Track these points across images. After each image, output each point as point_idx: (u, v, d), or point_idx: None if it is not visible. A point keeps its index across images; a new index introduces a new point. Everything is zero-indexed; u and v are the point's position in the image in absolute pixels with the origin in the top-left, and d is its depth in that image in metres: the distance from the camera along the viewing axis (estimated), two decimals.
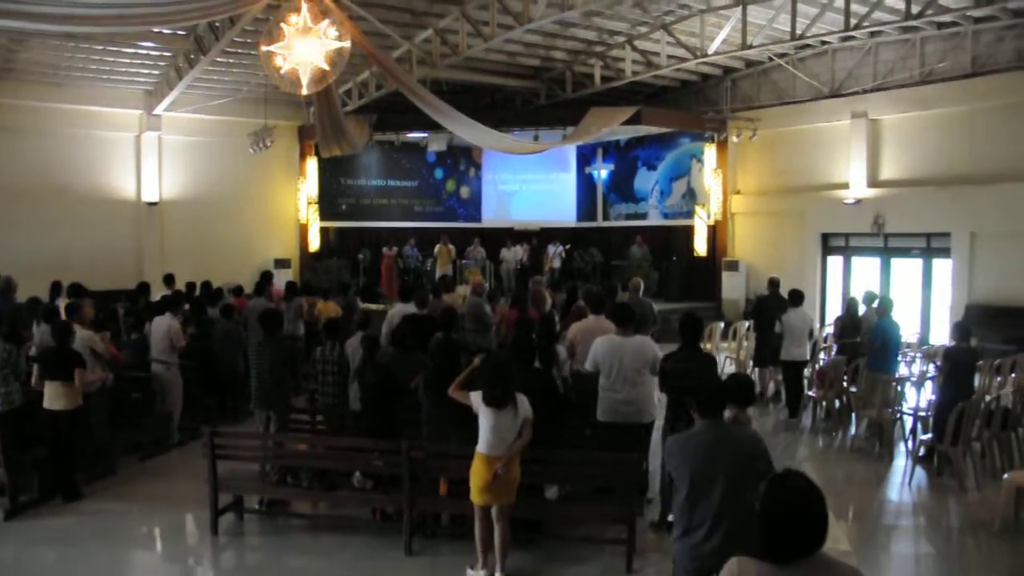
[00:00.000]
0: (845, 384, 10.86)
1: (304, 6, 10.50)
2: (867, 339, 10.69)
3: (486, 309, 11.13)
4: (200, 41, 14.97)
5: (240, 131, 19.00)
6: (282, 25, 10.65)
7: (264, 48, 10.85)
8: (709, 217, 20.22)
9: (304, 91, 11.20)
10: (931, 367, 11.86)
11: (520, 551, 6.81)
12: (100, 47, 16.02)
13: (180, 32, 15.02)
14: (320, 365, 8.68)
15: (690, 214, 20.74)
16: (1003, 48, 15.15)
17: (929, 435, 9.02)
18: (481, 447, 5.93)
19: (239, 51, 16.01)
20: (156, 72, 18.01)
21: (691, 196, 20.93)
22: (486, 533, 6.13)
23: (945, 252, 16.26)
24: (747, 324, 14.37)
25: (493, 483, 5.86)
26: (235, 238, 20.68)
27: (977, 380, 9.96)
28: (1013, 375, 11.24)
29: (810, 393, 11.46)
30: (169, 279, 14.13)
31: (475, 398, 6.00)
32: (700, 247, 20.50)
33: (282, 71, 10.88)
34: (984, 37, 15.38)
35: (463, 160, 23.95)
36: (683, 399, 4.69)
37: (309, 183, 21.73)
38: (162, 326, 10.23)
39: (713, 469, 4.25)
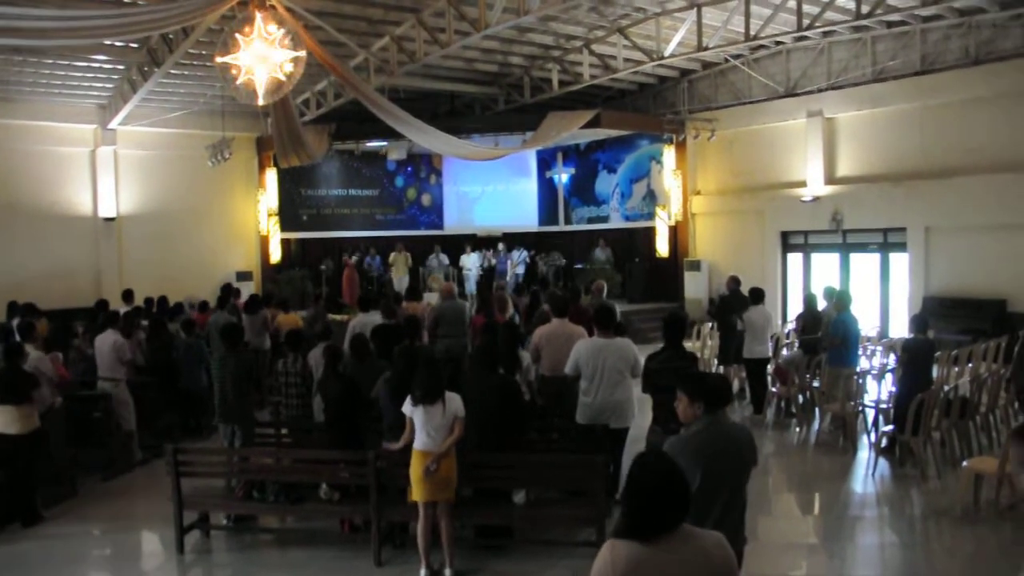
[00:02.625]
0: (808, 379, 10.99)
1: (258, 16, 10.41)
2: (827, 334, 10.82)
3: (468, 312, 11.10)
4: (154, 53, 14.78)
5: (197, 144, 18.81)
6: (236, 36, 10.53)
7: (219, 59, 10.74)
8: (670, 218, 20.35)
9: (260, 102, 11.10)
10: (891, 359, 12.03)
11: (490, 557, 6.81)
12: (50, 61, 15.73)
13: (133, 44, 14.81)
14: (283, 377, 8.62)
15: (651, 215, 20.86)
16: (950, 46, 15.45)
17: (891, 426, 9.16)
18: (416, 444, 6.16)
19: (194, 63, 15.83)
20: (109, 85, 17.75)
21: (651, 198, 21.04)
22: (427, 532, 6.30)
23: (902, 246, 16.52)
24: (710, 323, 14.47)
25: (426, 477, 6.07)
26: (195, 252, 20.44)
27: (935, 371, 10.13)
28: (970, 365, 11.44)
29: (773, 389, 11.58)
30: (127, 295, 13.92)
31: (406, 406, 6.21)
32: (662, 248, 20.63)
33: (238, 82, 10.77)
34: (932, 35, 15.67)
35: (423, 167, 23.85)
36: (663, 399, 4.62)
37: (269, 194, 21.57)
38: (106, 342, 10.07)
39: (721, 465, 4.09)
